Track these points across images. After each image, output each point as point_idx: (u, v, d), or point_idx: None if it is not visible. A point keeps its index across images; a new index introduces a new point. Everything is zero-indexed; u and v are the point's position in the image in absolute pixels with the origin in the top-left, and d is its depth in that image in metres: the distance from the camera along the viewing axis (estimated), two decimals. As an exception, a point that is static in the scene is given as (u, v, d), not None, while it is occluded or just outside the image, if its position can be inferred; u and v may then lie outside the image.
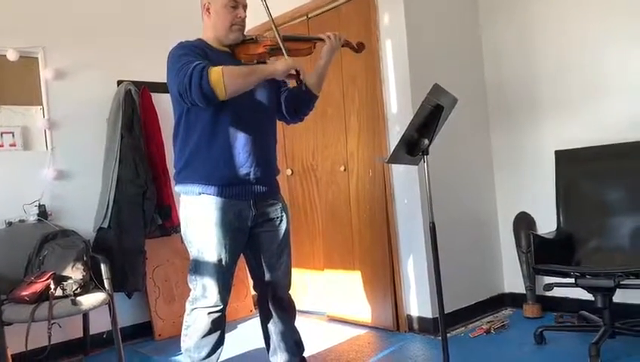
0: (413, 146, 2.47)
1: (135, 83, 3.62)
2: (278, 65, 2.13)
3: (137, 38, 3.79)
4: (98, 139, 3.55)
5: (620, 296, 2.66)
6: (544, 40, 3.35)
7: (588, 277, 2.58)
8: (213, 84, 1.97)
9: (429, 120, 2.39)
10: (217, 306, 2.20)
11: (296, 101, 2.40)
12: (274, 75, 2.15)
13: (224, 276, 2.20)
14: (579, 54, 3.20)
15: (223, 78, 1.98)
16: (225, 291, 2.21)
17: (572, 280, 2.60)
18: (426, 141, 2.41)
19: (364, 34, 3.31)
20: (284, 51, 2.20)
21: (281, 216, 2.33)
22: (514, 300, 3.56)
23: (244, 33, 2.28)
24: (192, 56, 2.06)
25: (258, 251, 2.30)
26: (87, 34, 3.61)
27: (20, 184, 3.31)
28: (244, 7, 2.25)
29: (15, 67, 3.38)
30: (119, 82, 3.66)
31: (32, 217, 3.26)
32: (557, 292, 2.91)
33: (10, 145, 3.33)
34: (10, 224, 3.20)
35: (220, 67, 2.00)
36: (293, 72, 2.14)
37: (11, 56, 3.32)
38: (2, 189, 3.24)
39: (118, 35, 3.73)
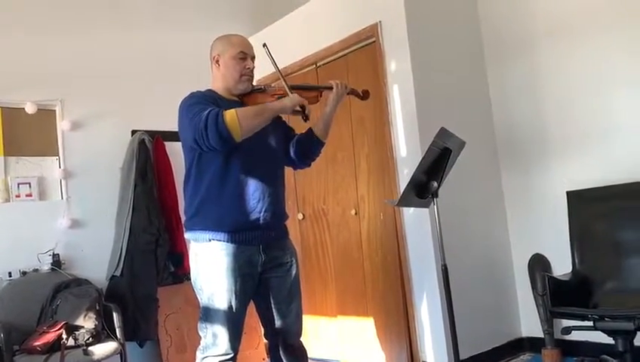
0: (422, 189, 2.48)
1: (149, 132, 3.71)
2: (286, 102, 2.20)
3: (151, 89, 3.90)
4: (112, 188, 3.61)
5: (641, 339, 2.59)
6: (551, 81, 3.38)
7: (607, 319, 2.51)
8: (229, 126, 2.01)
9: (437, 163, 2.41)
10: (228, 354, 2.17)
11: (304, 147, 2.44)
12: (283, 111, 2.21)
13: (234, 323, 2.18)
14: (586, 94, 3.22)
15: (237, 119, 2.03)
16: (235, 339, 2.19)
17: (590, 323, 2.53)
18: (435, 184, 2.42)
19: (372, 80, 3.38)
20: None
21: (291, 261, 2.32)
22: (532, 345, 3.46)
23: (253, 83, 2.35)
24: (204, 105, 2.11)
25: (268, 297, 2.29)
26: (103, 86, 3.73)
27: (35, 233, 3.36)
28: (253, 58, 2.32)
29: (33, 119, 3.48)
30: (133, 132, 3.75)
31: (45, 266, 3.29)
32: (576, 336, 2.83)
33: (27, 196, 3.40)
34: (24, 273, 3.23)
35: (234, 109, 2.06)
36: (298, 107, 2.20)
37: (30, 109, 3.43)
38: (18, 239, 3.29)
39: (132, 86, 3.85)
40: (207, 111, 2.03)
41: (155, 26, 4.03)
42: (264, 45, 2.30)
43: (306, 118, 2.23)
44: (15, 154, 3.42)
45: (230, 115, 2.02)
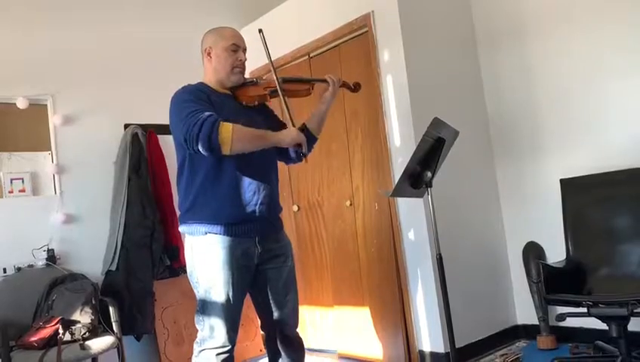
0: (416, 179, 2.49)
1: (142, 126, 3.69)
2: (286, 138, 2.21)
3: (143, 82, 3.87)
4: (106, 183, 3.60)
5: (636, 325, 2.61)
6: (544, 69, 3.39)
7: (600, 306, 2.53)
8: (221, 140, 2.01)
9: (430, 153, 2.41)
10: (225, 347, 2.18)
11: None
12: (280, 144, 2.23)
13: (232, 316, 2.19)
14: (579, 82, 3.23)
15: (232, 137, 2.03)
16: (233, 331, 2.20)
17: (584, 310, 2.55)
18: (429, 174, 2.42)
19: (365, 71, 3.37)
20: (280, 93, 2.26)
21: (286, 253, 2.34)
22: (527, 332, 3.49)
23: (245, 76, 2.34)
24: (199, 103, 2.10)
25: (264, 289, 2.30)
26: (94, 80, 3.70)
27: (29, 229, 3.34)
28: (244, 50, 2.31)
29: (25, 115, 3.46)
30: (126, 125, 3.73)
31: (40, 262, 3.28)
32: (571, 322, 2.86)
33: (20, 191, 3.38)
34: (19, 269, 3.22)
35: (232, 125, 2.04)
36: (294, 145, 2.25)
37: (21, 104, 3.40)
38: (12, 235, 3.27)
39: (124, 80, 3.82)
40: (204, 116, 2.02)
41: (146, 17, 3.99)
42: (260, 31, 2.29)
43: (302, 155, 2.27)
44: (7, 149, 3.39)
45: (226, 130, 2.02)
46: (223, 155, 2.08)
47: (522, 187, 3.53)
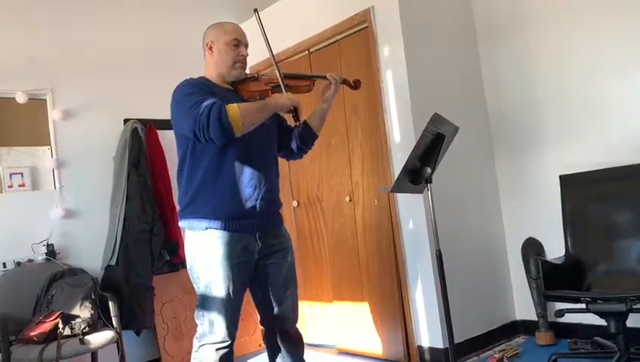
0: (416, 175, 2.49)
1: (141, 121, 3.69)
2: (284, 100, 2.22)
3: (142, 77, 3.87)
4: (105, 178, 3.60)
5: (634, 321, 2.61)
6: (543, 65, 3.38)
7: (599, 301, 2.54)
8: (232, 120, 2.01)
9: (430, 149, 2.41)
10: (225, 342, 2.18)
11: (301, 140, 2.47)
12: (280, 108, 2.23)
13: (231, 311, 2.19)
14: (579, 78, 3.22)
15: (240, 114, 2.03)
16: (232, 326, 2.20)
17: (583, 306, 2.56)
18: (429, 170, 2.42)
19: (365, 66, 3.37)
20: (283, 88, 2.27)
21: (286, 248, 2.34)
22: (526, 328, 3.50)
23: (246, 71, 2.34)
24: (201, 95, 2.09)
25: (264, 284, 2.30)
26: (94, 74, 3.69)
27: (29, 224, 3.34)
28: (246, 45, 2.31)
29: (24, 109, 3.45)
30: (125, 120, 3.72)
31: (40, 257, 3.28)
32: (570, 318, 2.86)
33: (19, 186, 3.38)
34: (18, 264, 3.22)
35: (235, 104, 2.06)
36: (291, 108, 2.23)
37: (20, 98, 3.39)
38: (11, 229, 3.28)
39: (123, 74, 3.81)
40: (209, 103, 2.02)
41: (145, 12, 3.98)
42: (255, 11, 2.30)
43: (297, 119, 2.25)
44: (6, 144, 3.39)
45: (233, 110, 2.03)
46: (234, 138, 2.06)
47: (522, 183, 3.53)
